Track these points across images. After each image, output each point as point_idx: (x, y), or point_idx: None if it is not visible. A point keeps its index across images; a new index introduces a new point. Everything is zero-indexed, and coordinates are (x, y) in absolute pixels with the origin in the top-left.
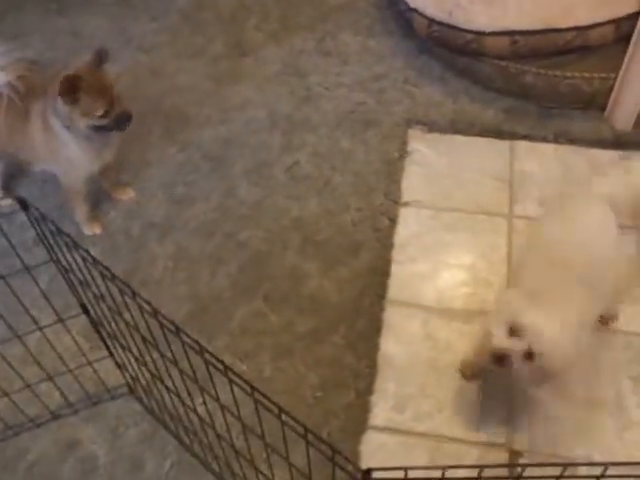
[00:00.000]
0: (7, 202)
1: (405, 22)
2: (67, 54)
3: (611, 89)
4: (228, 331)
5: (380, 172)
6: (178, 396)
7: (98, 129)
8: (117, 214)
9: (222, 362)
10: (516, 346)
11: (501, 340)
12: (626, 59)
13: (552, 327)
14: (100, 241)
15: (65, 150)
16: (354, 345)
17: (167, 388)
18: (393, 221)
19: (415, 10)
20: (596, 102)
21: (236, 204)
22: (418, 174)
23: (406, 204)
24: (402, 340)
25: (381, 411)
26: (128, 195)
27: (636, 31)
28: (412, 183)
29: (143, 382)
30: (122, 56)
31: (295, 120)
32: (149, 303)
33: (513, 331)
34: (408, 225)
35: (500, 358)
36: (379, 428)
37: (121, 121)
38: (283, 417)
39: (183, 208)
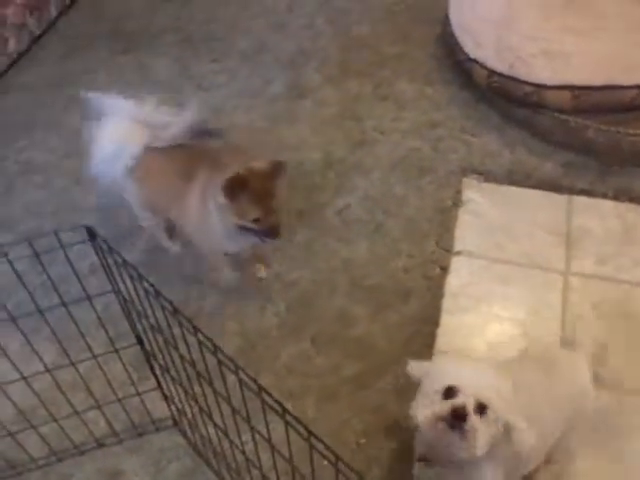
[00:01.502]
0: (176, 249)
1: (464, 72)
2: (132, 89)
3: None
4: (274, 370)
5: (433, 220)
6: (225, 433)
7: (243, 229)
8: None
9: (281, 404)
10: (466, 401)
11: (447, 403)
12: None
13: (488, 381)
14: (152, 272)
15: (212, 228)
16: (400, 393)
17: (215, 424)
18: (444, 270)
19: (475, 61)
20: None
21: (287, 244)
22: (472, 224)
23: (458, 253)
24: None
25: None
26: (260, 274)
27: None
28: (465, 232)
29: (189, 416)
30: (184, 94)
31: (349, 163)
32: (210, 339)
33: (448, 394)
34: (460, 275)
35: (460, 414)
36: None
37: (268, 233)
38: (339, 465)
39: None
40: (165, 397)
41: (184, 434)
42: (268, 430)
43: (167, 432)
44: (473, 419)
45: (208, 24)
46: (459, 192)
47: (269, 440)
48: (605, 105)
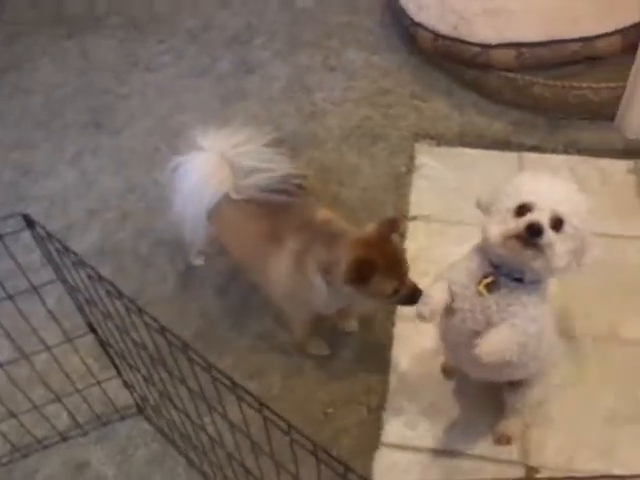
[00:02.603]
0: (200, 262)
1: (410, 37)
2: (77, 76)
3: (619, 99)
4: (237, 350)
5: (388, 186)
6: (187, 415)
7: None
8: (125, 233)
9: (230, 378)
10: (541, 217)
11: (522, 219)
12: (634, 68)
13: (565, 195)
14: (108, 261)
15: (310, 296)
16: (365, 361)
17: (176, 407)
18: (402, 235)
19: (420, 25)
20: (605, 112)
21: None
22: (426, 188)
23: (415, 218)
24: (413, 355)
25: (393, 428)
26: (351, 327)
27: None
28: (420, 197)
29: (152, 402)
30: (131, 77)
31: (301, 135)
32: (156, 320)
33: (521, 211)
34: (417, 239)
35: (536, 228)
36: (391, 445)
37: (410, 299)
38: (292, 434)
39: None
40: (127, 385)
41: (149, 420)
42: (224, 408)
43: (132, 419)
44: (549, 234)
45: (152, 5)
46: (412, 158)
47: (226, 417)
48: (550, 60)
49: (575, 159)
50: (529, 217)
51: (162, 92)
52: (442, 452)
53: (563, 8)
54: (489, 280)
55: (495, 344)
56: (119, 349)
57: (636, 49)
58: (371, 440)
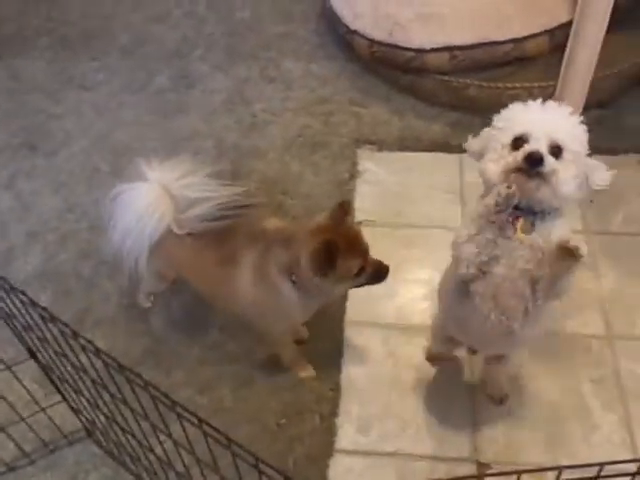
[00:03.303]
0: (149, 304)
1: (347, 45)
2: (7, 98)
3: (551, 97)
4: (187, 364)
5: (332, 193)
6: (134, 436)
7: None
8: (68, 255)
9: (167, 396)
10: (539, 145)
11: (519, 152)
12: (562, 67)
13: (560, 122)
14: (51, 283)
15: (282, 306)
16: (316, 368)
17: (123, 429)
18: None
19: (356, 32)
20: None
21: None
22: (370, 193)
23: (360, 223)
24: (364, 360)
25: (346, 434)
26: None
27: (570, 40)
28: (365, 202)
29: (100, 425)
30: (65, 96)
31: (243, 147)
32: (91, 342)
33: (517, 144)
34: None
35: (535, 158)
36: (345, 451)
37: (377, 276)
38: (233, 447)
39: None
40: (73, 409)
41: (99, 443)
42: (167, 426)
43: (81, 444)
44: (550, 161)
45: (83, 22)
46: (355, 164)
47: (169, 436)
48: (482, 62)
49: None
50: (527, 147)
51: (98, 110)
52: (395, 455)
53: (492, 11)
54: (521, 222)
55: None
56: (61, 374)
57: (563, 49)
58: (325, 447)
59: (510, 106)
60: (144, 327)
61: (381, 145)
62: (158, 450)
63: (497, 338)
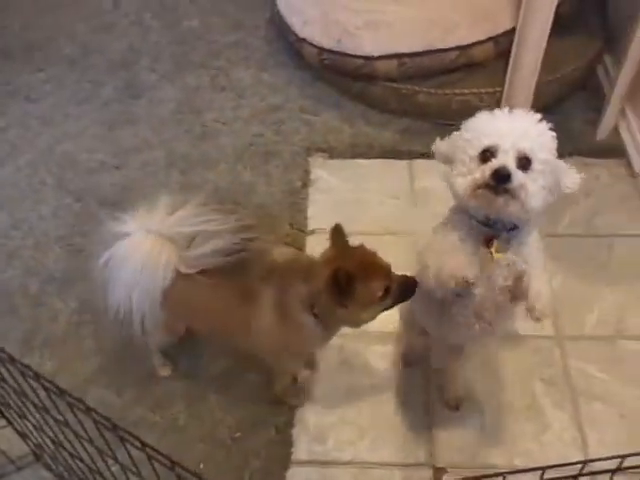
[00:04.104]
0: (167, 371)
1: (296, 53)
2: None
3: (499, 102)
4: (139, 382)
5: (284, 202)
6: (82, 461)
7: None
8: (14, 272)
9: (107, 419)
10: (506, 160)
11: (487, 166)
12: (508, 73)
13: (528, 131)
14: None
15: (305, 341)
16: (270, 381)
17: (71, 454)
18: (301, 250)
19: (305, 40)
20: None
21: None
22: (323, 201)
23: (313, 232)
24: (319, 369)
25: (303, 444)
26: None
27: (514, 46)
28: (317, 211)
29: (48, 449)
30: (9, 108)
31: (193, 158)
32: (28, 367)
33: (484, 157)
34: (316, 253)
35: (502, 174)
36: (302, 462)
37: (405, 292)
38: (176, 470)
39: (83, 259)
40: (19, 433)
41: (48, 467)
42: (112, 451)
43: (30, 468)
44: (518, 176)
45: (27, 33)
46: (307, 172)
47: (116, 459)
48: (430, 69)
49: None
50: (494, 163)
51: (44, 122)
52: (352, 463)
53: (438, 19)
54: (495, 243)
55: (544, 293)
56: (2, 397)
57: (509, 55)
58: (282, 460)
59: (477, 115)
60: (95, 346)
61: (332, 153)
62: (108, 474)
63: (479, 338)
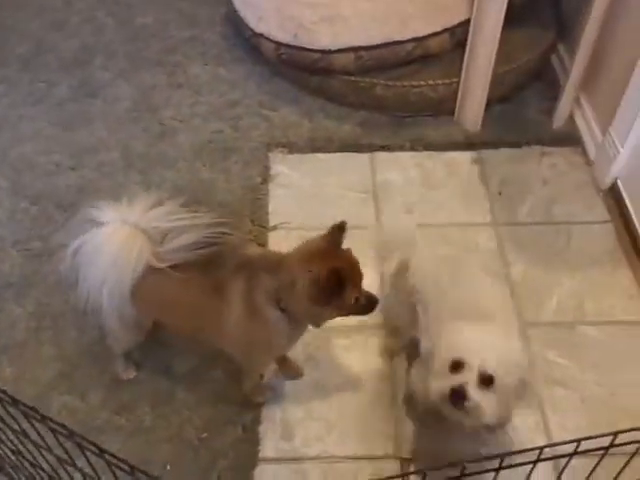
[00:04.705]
0: (131, 373)
1: (253, 48)
2: None
3: (456, 93)
4: (103, 385)
5: (245, 199)
6: (43, 470)
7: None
8: None
9: (64, 426)
10: (467, 377)
11: (449, 380)
12: (464, 64)
13: (496, 348)
14: None
15: (270, 335)
16: (236, 379)
17: (32, 464)
18: (263, 247)
19: (261, 35)
20: (445, 107)
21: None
22: (284, 197)
23: (274, 228)
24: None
25: (270, 441)
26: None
27: (469, 37)
28: (278, 206)
29: (9, 460)
30: None
31: (151, 157)
32: None
33: (455, 367)
34: (279, 248)
35: (458, 394)
36: (270, 459)
37: (368, 307)
38: (136, 474)
39: (41, 263)
40: None
41: (10, 477)
42: (72, 459)
43: None
44: (474, 396)
45: None
46: (267, 167)
47: (75, 466)
48: (387, 61)
49: (422, 155)
50: (454, 380)
51: None
52: (320, 458)
53: (394, 11)
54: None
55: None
56: None
57: (464, 46)
58: (249, 458)
59: (455, 326)
60: (55, 351)
61: (292, 147)
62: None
63: None
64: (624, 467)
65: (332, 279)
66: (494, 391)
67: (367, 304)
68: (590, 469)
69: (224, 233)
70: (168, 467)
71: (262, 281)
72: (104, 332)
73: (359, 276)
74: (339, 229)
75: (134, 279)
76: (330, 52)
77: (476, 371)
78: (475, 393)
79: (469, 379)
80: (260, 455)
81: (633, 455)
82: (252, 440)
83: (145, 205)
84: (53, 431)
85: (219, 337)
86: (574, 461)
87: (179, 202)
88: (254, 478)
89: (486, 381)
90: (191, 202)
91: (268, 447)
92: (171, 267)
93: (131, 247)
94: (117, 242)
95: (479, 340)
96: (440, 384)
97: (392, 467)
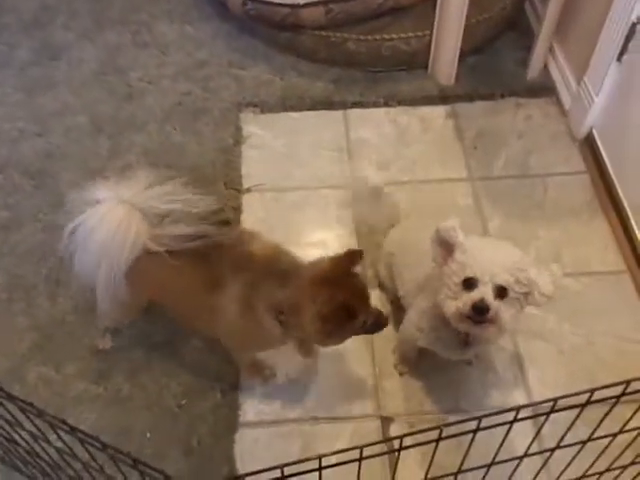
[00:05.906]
0: (108, 344)
1: (220, 4)
2: None
3: (429, 46)
4: (79, 355)
5: (217, 161)
6: (18, 444)
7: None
8: None
9: (31, 404)
10: (482, 291)
11: (468, 297)
12: (436, 16)
13: (504, 261)
14: None
15: (264, 339)
16: (214, 345)
17: (6, 439)
18: (237, 209)
19: None
20: (418, 61)
21: (67, 221)
22: (257, 158)
23: (248, 190)
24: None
25: (250, 406)
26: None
27: None
28: (251, 168)
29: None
30: None
31: (120, 120)
32: None
33: (468, 285)
34: (253, 211)
35: (480, 307)
36: (251, 423)
37: (376, 326)
38: (109, 450)
39: (9, 233)
40: None
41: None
42: (43, 434)
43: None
44: (494, 306)
45: None
46: (239, 128)
47: (49, 443)
48: (358, 15)
49: (396, 110)
50: (474, 295)
51: None
52: (300, 421)
53: None
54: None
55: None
56: None
57: None
58: (229, 423)
59: (466, 241)
60: (28, 322)
61: (264, 107)
62: (46, 456)
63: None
64: (603, 419)
65: (340, 314)
66: (508, 302)
67: (375, 324)
68: (570, 422)
69: (225, 223)
70: (148, 435)
71: (264, 290)
72: (97, 309)
73: (367, 302)
74: (351, 255)
75: (129, 259)
76: (299, 6)
77: (490, 284)
78: (494, 304)
79: (484, 293)
80: (240, 419)
81: (612, 407)
82: (232, 405)
83: (144, 183)
84: (23, 411)
85: (210, 328)
86: (553, 415)
87: (183, 182)
88: (235, 442)
89: (501, 292)
90: (162, 166)
91: (248, 412)
92: (168, 252)
93: (129, 223)
94: (113, 220)
95: (487, 255)
96: (457, 303)
97: (373, 426)
